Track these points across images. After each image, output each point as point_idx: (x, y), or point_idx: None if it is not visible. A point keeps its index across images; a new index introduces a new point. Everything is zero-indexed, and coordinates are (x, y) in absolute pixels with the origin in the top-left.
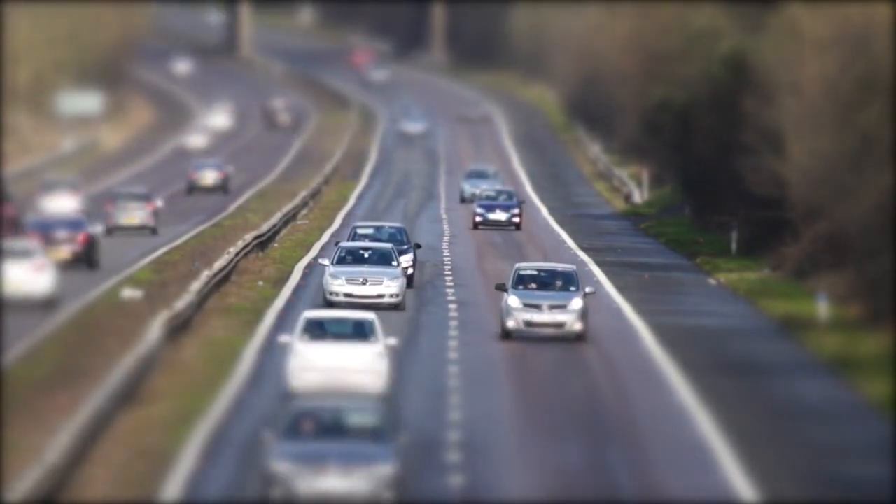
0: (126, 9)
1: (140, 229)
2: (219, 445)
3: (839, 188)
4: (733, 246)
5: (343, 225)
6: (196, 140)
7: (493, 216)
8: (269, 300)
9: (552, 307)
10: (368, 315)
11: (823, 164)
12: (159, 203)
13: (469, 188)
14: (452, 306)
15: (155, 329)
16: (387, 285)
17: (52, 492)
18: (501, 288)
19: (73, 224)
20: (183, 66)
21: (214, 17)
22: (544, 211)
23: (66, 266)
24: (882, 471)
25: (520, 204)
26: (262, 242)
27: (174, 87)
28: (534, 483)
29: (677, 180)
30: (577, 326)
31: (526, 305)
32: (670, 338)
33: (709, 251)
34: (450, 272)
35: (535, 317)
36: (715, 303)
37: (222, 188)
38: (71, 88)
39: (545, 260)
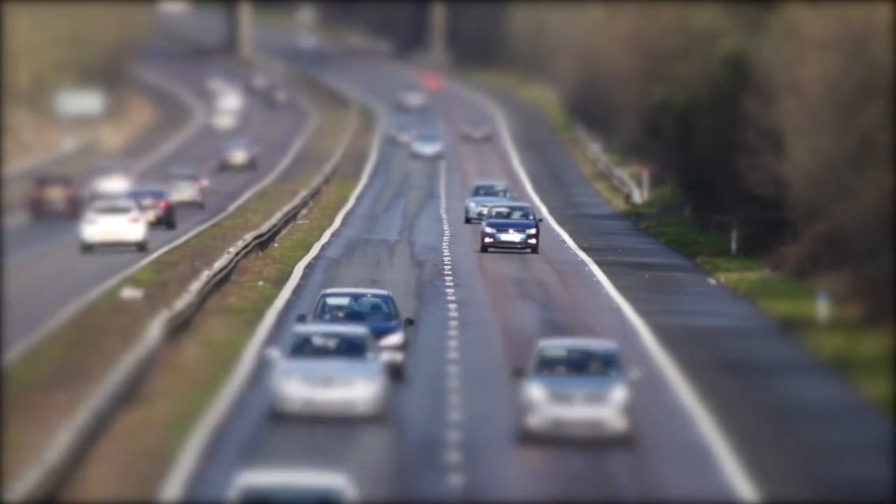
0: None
1: (190, 204)
2: (219, 445)
3: (839, 188)
4: (733, 246)
5: (344, 224)
6: (223, 121)
7: (505, 237)
8: (269, 300)
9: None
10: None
11: (823, 164)
12: (205, 182)
13: (475, 206)
14: (452, 306)
15: (155, 329)
16: (359, 388)
17: (52, 492)
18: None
19: (156, 194)
20: (232, 101)
21: (304, 40)
22: (544, 211)
23: (151, 226)
24: (882, 471)
25: (537, 223)
26: (262, 242)
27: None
28: (534, 483)
29: (677, 180)
30: (619, 424)
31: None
32: (670, 338)
33: (709, 251)
34: (450, 272)
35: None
36: (715, 303)
37: (251, 167)
38: (71, 88)
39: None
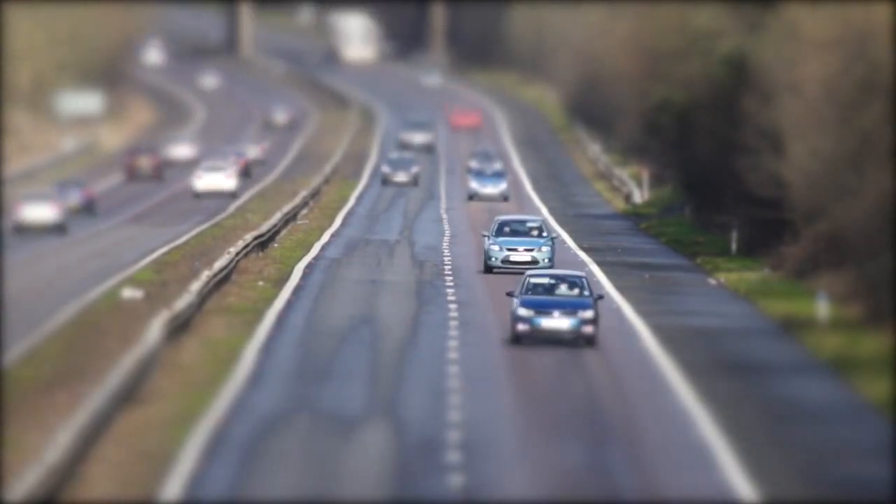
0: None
1: (256, 162)
2: (219, 445)
3: (839, 188)
4: (733, 246)
5: (344, 224)
6: (279, 118)
7: (548, 323)
8: (269, 300)
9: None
10: None
11: (823, 164)
12: (266, 144)
13: (498, 250)
14: (452, 306)
15: (155, 329)
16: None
17: (52, 492)
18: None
19: (238, 153)
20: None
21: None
22: (544, 211)
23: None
24: (882, 471)
25: (596, 299)
26: (263, 242)
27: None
28: (534, 483)
29: (677, 180)
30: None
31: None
32: (670, 338)
33: (709, 251)
34: (450, 272)
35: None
36: (715, 303)
37: (292, 127)
38: (71, 88)
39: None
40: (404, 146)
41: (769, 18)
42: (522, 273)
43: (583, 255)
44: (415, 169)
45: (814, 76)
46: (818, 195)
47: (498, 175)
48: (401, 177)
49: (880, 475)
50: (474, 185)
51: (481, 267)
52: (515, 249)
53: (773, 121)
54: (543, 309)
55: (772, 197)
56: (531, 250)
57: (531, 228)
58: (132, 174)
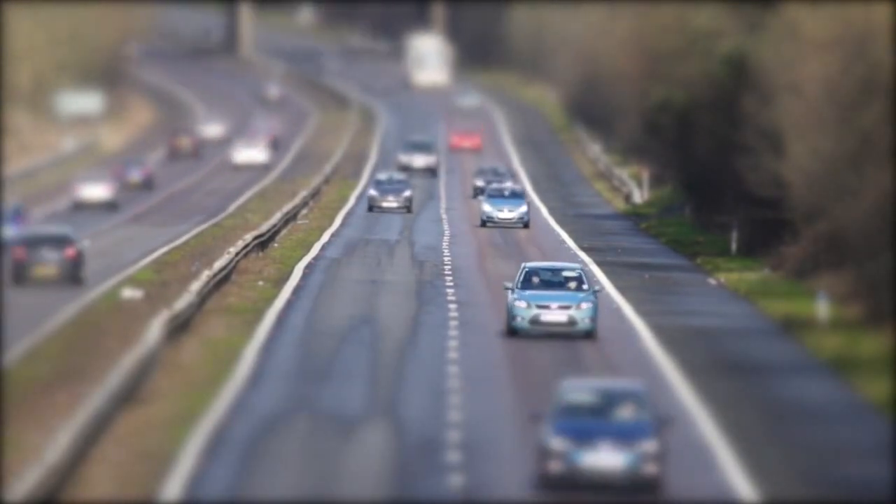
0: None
1: (276, 140)
2: (219, 445)
3: (839, 188)
4: (733, 246)
5: (344, 224)
6: (272, 92)
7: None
8: (269, 300)
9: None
10: None
11: (823, 164)
12: (278, 126)
13: (525, 309)
14: (452, 306)
15: (155, 329)
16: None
17: (52, 492)
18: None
19: (267, 129)
20: (274, 91)
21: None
22: (544, 211)
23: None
24: (882, 471)
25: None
26: (263, 242)
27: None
28: (534, 483)
29: (677, 180)
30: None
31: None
32: (670, 338)
33: (709, 251)
34: (450, 272)
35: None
36: (715, 303)
37: (281, 104)
38: (71, 88)
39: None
40: (403, 169)
41: (769, 18)
42: (557, 336)
43: (583, 255)
44: (407, 192)
45: (814, 76)
46: (818, 195)
47: (516, 196)
48: (390, 201)
49: (880, 475)
50: (488, 207)
51: (481, 267)
52: (547, 307)
53: (773, 121)
54: (588, 437)
55: (772, 197)
56: (567, 307)
57: (568, 279)
58: (174, 153)
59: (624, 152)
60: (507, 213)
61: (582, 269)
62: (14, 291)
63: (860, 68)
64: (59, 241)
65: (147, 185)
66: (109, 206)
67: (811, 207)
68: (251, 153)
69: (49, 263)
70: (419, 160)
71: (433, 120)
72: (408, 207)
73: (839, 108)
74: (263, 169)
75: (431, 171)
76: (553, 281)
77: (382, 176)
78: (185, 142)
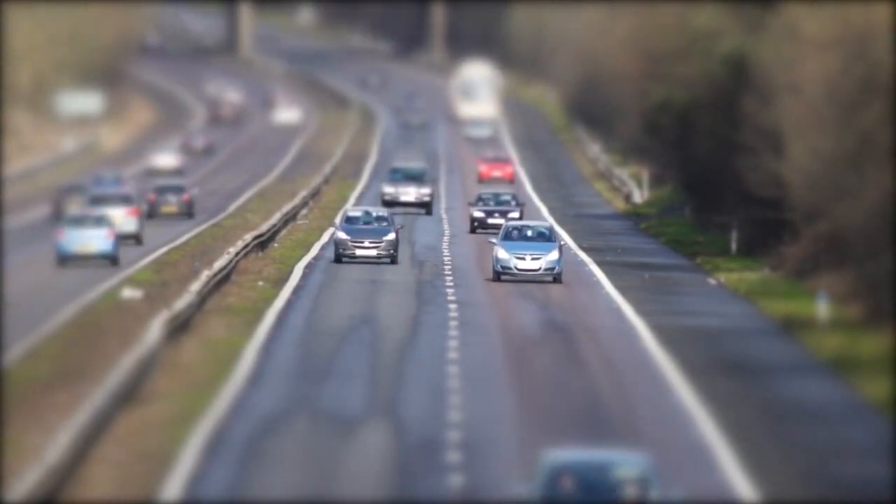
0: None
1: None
2: (219, 445)
3: (839, 188)
4: (733, 246)
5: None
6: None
7: None
8: (269, 300)
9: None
10: None
11: (823, 164)
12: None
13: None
14: (452, 306)
15: (155, 329)
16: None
17: (52, 492)
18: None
19: (293, 104)
20: (288, 115)
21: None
22: (544, 211)
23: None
24: (882, 471)
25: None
26: (262, 242)
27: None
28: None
29: (677, 180)
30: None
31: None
32: (670, 338)
33: (709, 251)
34: (450, 272)
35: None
36: (715, 303)
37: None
38: (71, 88)
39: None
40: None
41: (769, 18)
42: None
43: (583, 255)
44: (390, 236)
45: (814, 76)
46: (818, 195)
47: (542, 237)
48: (366, 248)
49: (880, 475)
50: (503, 254)
51: (481, 267)
52: (523, 257)
53: (773, 121)
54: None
55: (772, 197)
56: (538, 257)
57: (540, 234)
58: (215, 119)
59: (624, 152)
60: (529, 261)
61: (551, 227)
62: (148, 223)
63: (860, 68)
64: (178, 189)
65: (208, 152)
66: (177, 173)
67: (811, 207)
68: (289, 114)
69: (172, 204)
70: (409, 192)
71: (450, 146)
72: (391, 257)
73: (839, 108)
74: (296, 128)
75: (424, 207)
76: (528, 235)
77: (356, 212)
78: (227, 110)
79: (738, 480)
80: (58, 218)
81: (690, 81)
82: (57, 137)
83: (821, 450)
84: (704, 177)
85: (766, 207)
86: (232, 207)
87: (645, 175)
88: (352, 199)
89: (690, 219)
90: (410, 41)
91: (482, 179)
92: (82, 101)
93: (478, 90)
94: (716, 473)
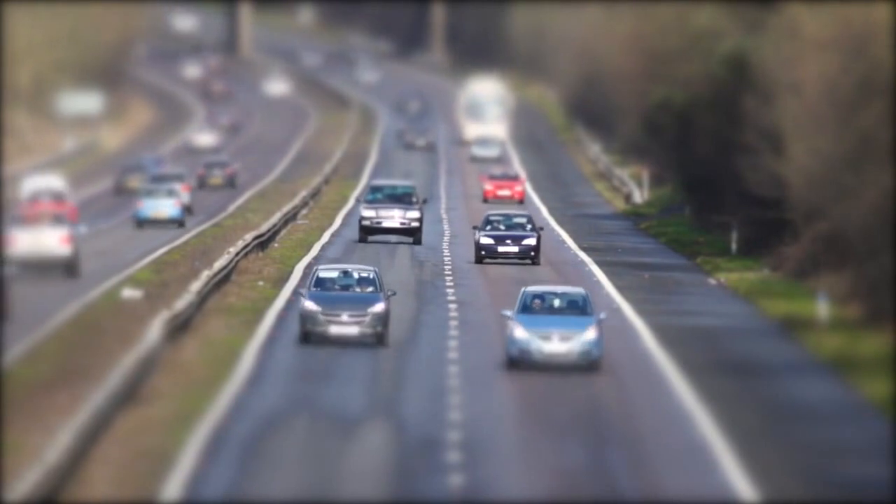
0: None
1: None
2: (219, 445)
3: (839, 188)
4: (733, 246)
5: (344, 224)
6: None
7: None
8: (269, 300)
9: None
10: None
11: (823, 164)
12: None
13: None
14: (452, 306)
15: (155, 329)
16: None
17: (52, 492)
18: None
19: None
20: (278, 87)
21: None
22: (544, 211)
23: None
24: (882, 471)
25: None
26: (263, 242)
27: (175, 87)
28: (534, 483)
29: (677, 180)
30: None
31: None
32: (670, 338)
33: (709, 251)
34: (450, 272)
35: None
36: (715, 303)
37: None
38: (71, 88)
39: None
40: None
41: (769, 18)
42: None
43: (583, 255)
44: (377, 307)
45: (814, 76)
46: (818, 195)
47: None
48: (345, 324)
49: (880, 475)
50: (522, 333)
51: (481, 267)
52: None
53: (773, 121)
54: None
55: (772, 197)
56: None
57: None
58: (207, 95)
59: (624, 152)
60: (557, 343)
61: (586, 295)
62: (197, 192)
63: (860, 68)
64: (223, 165)
65: (235, 128)
66: (215, 151)
67: (811, 207)
68: (279, 87)
69: (217, 176)
70: (392, 216)
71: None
72: (378, 336)
73: (839, 108)
74: (286, 102)
75: (411, 234)
76: (555, 306)
77: (329, 271)
78: (216, 86)
79: (738, 480)
80: (119, 191)
81: (690, 81)
82: (57, 137)
83: (821, 450)
84: (704, 177)
85: (766, 207)
86: (232, 207)
87: (645, 175)
88: (352, 199)
89: (690, 219)
90: (410, 41)
91: (487, 199)
92: (82, 101)
93: (486, 110)
94: (716, 473)
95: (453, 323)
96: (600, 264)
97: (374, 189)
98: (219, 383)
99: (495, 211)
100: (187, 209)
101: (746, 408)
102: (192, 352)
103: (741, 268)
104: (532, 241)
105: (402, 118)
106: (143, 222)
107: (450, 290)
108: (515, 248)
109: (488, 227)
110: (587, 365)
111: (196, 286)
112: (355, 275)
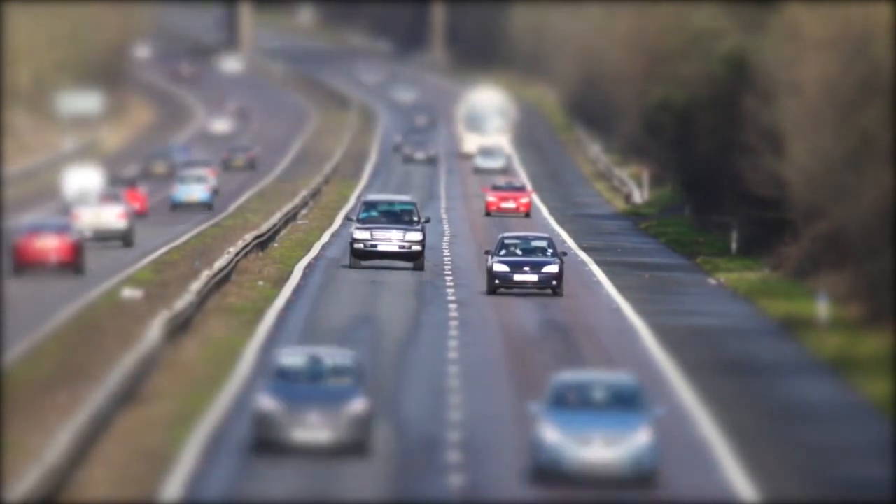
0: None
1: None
2: (219, 445)
3: (839, 188)
4: (733, 246)
5: (344, 224)
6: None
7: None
8: (269, 300)
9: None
10: None
11: (823, 164)
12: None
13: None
14: (452, 306)
15: (155, 329)
16: None
17: (52, 492)
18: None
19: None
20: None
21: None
22: (544, 211)
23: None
24: (882, 471)
25: None
26: (262, 242)
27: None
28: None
29: (677, 180)
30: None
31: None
32: (670, 338)
33: (709, 251)
34: (450, 272)
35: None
36: (715, 303)
37: None
38: (71, 88)
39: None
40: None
41: (769, 18)
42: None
43: (583, 255)
44: (354, 407)
45: (814, 76)
46: (818, 195)
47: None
48: (311, 428)
49: (880, 475)
50: (553, 434)
51: (481, 267)
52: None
53: (773, 121)
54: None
55: (772, 197)
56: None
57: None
58: (175, 77)
59: (624, 152)
60: (600, 448)
61: (636, 385)
62: (222, 174)
63: (860, 68)
64: (244, 149)
65: (242, 114)
66: (232, 137)
67: (811, 207)
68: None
69: (240, 159)
70: (389, 239)
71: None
72: (357, 445)
73: (839, 108)
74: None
75: (412, 259)
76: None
77: (293, 356)
78: (184, 70)
79: (738, 480)
80: (145, 176)
81: (690, 81)
82: (57, 137)
83: (821, 450)
84: (704, 177)
85: (766, 207)
86: (232, 207)
87: (645, 175)
88: (352, 200)
89: (690, 219)
90: (410, 41)
91: (490, 211)
92: (82, 101)
93: (487, 121)
94: (716, 473)
95: (453, 323)
96: (600, 264)
97: (368, 206)
98: (219, 383)
99: (510, 233)
100: (215, 191)
101: (746, 408)
102: (192, 352)
103: (741, 268)
104: (553, 269)
105: (408, 135)
106: (177, 205)
107: (450, 290)
108: (534, 277)
109: (503, 252)
110: (638, 477)
111: (196, 286)
112: (327, 362)
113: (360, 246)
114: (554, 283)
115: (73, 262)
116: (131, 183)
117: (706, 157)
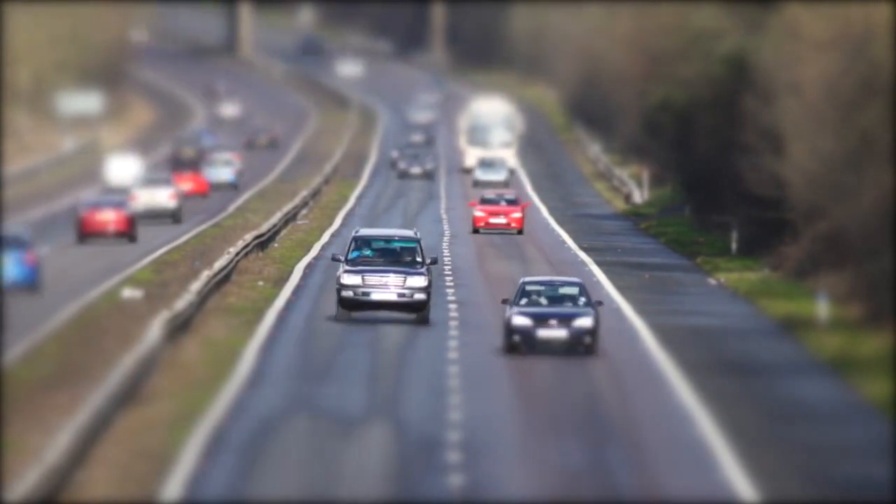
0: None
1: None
2: (219, 445)
3: (839, 188)
4: (733, 246)
5: (344, 224)
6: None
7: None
8: (269, 300)
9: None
10: None
11: (823, 164)
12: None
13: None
14: (452, 306)
15: (155, 329)
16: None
17: (52, 492)
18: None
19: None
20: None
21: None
22: (544, 211)
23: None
24: (882, 471)
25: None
26: (263, 242)
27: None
28: (534, 483)
29: (677, 180)
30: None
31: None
32: (670, 338)
33: (709, 251)
34: (450, 272)
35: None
36: (715, 303)
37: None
38: (71, 88)
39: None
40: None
41: (769, 18)
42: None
43: (582, 255)
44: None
45: (814, 76)
46: (818, 195)
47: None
48: None
49: (880, 475)
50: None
51: (481, 267)
52: None
53: (773, 121)
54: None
55: (772, 197)
56: None
57: None
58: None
59: (624, 152)
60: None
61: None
62: (246, 154)
63: (860, 68)
64: (266, 129)
65: (229, 93)
66: (241, 122)
67: (811, 207)
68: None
69: (262, 139)
70: (387, 285)
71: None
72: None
73: (839, 108)
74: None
75: (415, 310)
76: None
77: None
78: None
79: (738, 480)
80: (175, 160)
81: (690, 81)
82: (57, 137)
83: (821, 450)
84: (704, 177)
85: (766, 207)
86: (232, 207)
87: (645, 175)
88: (352, 200)
89: (690, 219)
90: (410, 41)
91: (478, 228)
92: (82, 101)
93: (492, 134)
94: (716, 473)
95: (453, 323)
96: (600, 264)
97: (360, 242)
98: (219, 383)
99: (533, 278)
100: (240, 173)
101: (746, 408)
102: (192, 352)
103: (741, 268)
104: (587, 322)
105: (404, 149)
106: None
107: (450, 290)
108: (564, 333)
109: (524, 301)
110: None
111: (196, 286)
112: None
113: (350, 294)
114: (587, 340)
115: (128, 232)
116: (193, 165)
117: (706, 157)
